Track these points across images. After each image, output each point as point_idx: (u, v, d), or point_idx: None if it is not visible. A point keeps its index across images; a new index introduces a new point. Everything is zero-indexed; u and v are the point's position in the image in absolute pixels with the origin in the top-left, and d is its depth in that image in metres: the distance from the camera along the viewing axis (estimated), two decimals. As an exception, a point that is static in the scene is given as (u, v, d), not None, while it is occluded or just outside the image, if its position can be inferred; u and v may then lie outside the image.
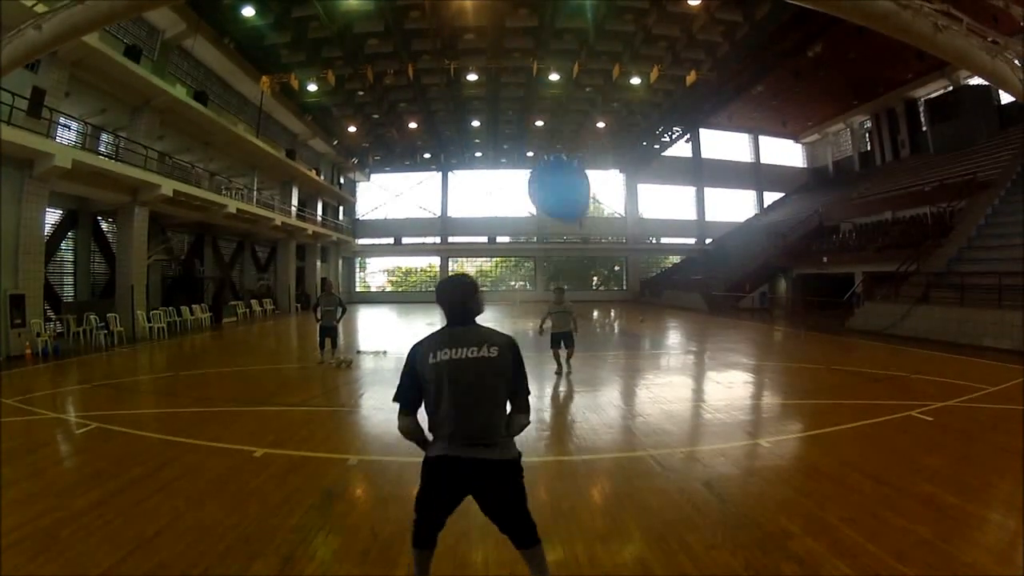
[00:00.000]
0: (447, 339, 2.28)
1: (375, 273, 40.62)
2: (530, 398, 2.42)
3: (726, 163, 39.74)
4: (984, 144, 24.04)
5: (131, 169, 14.55)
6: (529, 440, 4.90)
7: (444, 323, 2.40)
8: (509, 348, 2.31)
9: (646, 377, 9.12)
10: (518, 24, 19.56)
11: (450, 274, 2.44)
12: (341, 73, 21.36)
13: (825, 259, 23.23)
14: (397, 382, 2.34)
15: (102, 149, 15.44)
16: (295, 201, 27.80)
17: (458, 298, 2.37)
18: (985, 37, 7.84)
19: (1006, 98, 23.95)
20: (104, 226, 17.53)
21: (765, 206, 39.68)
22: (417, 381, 2.27)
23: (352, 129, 30.03)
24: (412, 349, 2.33)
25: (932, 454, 4.73)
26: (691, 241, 39.61)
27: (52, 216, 15.13)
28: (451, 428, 2.21)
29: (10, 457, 4.73)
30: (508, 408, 2.34)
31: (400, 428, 2.33)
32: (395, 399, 2.33)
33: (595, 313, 26.04)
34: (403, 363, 2.35)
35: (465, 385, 2.22)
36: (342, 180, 36.55)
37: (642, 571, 2.91)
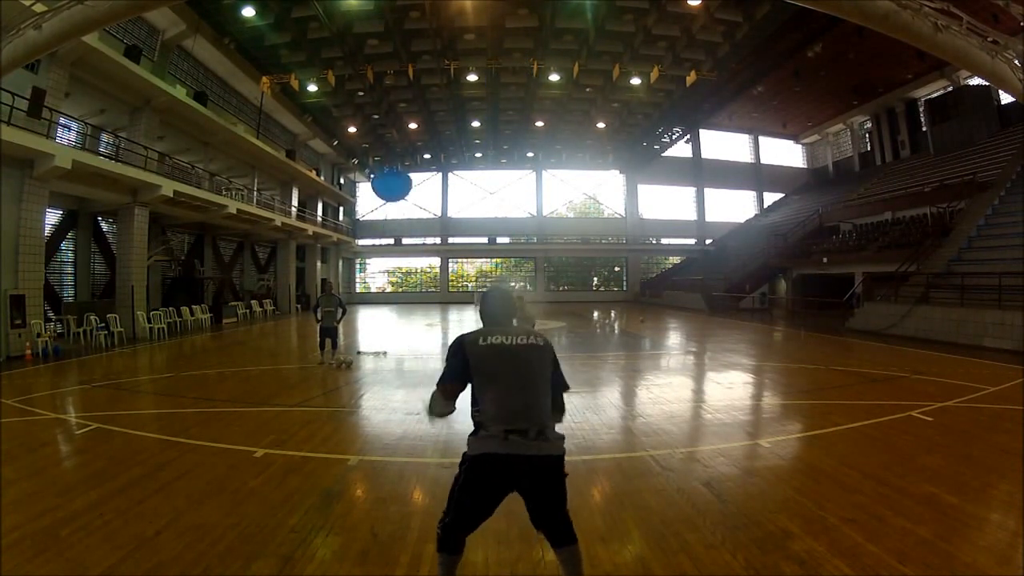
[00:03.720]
0: (495, 331, 2.30)
1: (375, 274, 40.62)
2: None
3: (726, 163, 39.75)
4: (984, 144, 24.05)
5: (131, 169, 14.55)
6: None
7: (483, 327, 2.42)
8: (549, 343, 2.35)
9: (646, 378, 9.12)
10: (518, 24, 19.54)
11: (491, 284, 2.75)
12: (341, 73, 21.35)
13: (825, 259, 23.24)
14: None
15: (102, 149, 15.43)
16: (295, 202, 27.81)
17: (503, 306, 2.44)
18: (985, 37, 7.84)
19: (1006, 98, 23.96)
20: (104, 226, 17.54)
21: (765, 206, 39.72)
22: (465, 365, 2.22)
23: (352, 129, 30.02)
24: (458, 338, 2.31)
25: (932, 454, 4.73)
26: (691, 241, 39.63)
27: (52, 216, 15.13)
28: (503, 419, 2.13)
29: (10, 457, 4.73)
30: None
31: (434, 407, 2.28)
32: (440, 381, 2.28)
33: (595, 314, 26.04)
34: (447, 352, 2.32)
35: (519, 368, 2.20)
36: (342, 180, 36.56)
37: (642, 571, 2.91)
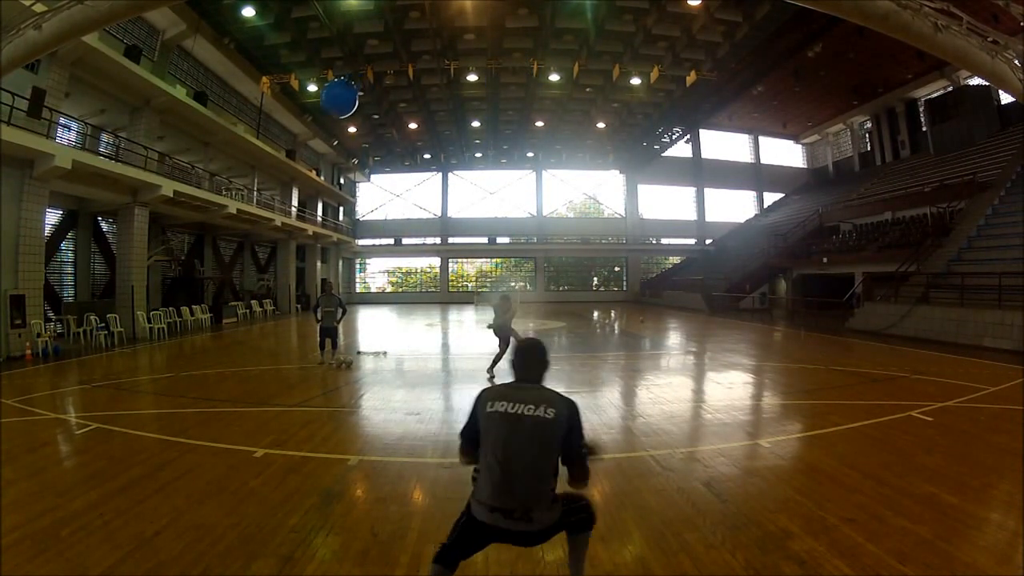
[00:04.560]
0: (509, 392, 2.26)
1: (375, 274, 40.62)
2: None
3: (726, 163, 39.73)
4: (984, 144, 24.04)
5: (131, 169, 14.55)
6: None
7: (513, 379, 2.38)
8: (567, 409, 2.21)
9: (646, 378, 9.12)
10: (518, 24, 19.54)
11: (526, 338, 2.80)
12: (341, 73, 21.31)
13: (825, 259, 23.23)
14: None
15: (102, 149, 15.42)
16: (295, 201, 27.79)
17: (533, 357, 2.37)
18: (985, 37, 7.83)
19: (1006, 98, 23.95)
20: (104, 226, 17.53)
21: (765, 206, 39.70)
22: (476, 424, 2.27)
23: (352, 129, 30.02)
24: (480, 392, 2.36)
25: (932, 454, 4.73)
26: (691, 242, 39.61)
27: (52, 216, 15.12)
28: (491, 494, 2.14)
29: (10, 457, 4.73)
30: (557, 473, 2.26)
31: (460, 462, 2.43)
32: (461, 434, 2.38)
33: (595, 314, 26.03)
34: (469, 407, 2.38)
35: (515, 441, 2.13)
36: (342, 180, 36.54)
37: (642, 571, 2.91)
